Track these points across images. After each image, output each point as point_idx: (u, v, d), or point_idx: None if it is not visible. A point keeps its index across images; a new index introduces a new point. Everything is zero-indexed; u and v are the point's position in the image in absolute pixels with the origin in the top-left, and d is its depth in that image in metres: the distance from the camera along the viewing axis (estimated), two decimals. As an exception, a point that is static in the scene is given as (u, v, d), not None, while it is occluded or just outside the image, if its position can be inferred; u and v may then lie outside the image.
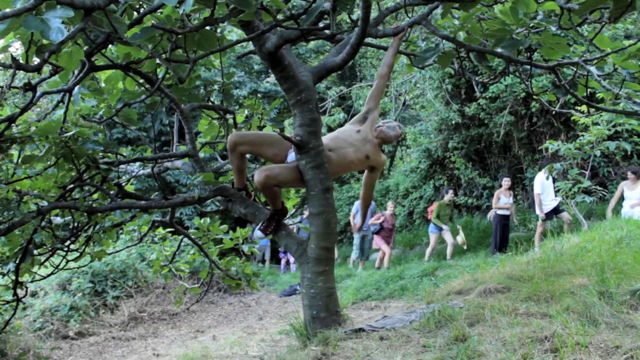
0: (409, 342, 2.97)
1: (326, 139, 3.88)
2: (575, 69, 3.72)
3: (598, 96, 4.52)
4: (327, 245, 3.67)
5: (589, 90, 3.69)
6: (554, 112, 10.67)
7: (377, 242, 11.26)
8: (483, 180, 12.56)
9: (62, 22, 1.99)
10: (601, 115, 7.68)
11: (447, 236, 10.46)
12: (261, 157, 4.17)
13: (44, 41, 2.25)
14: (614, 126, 7.81)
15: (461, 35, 3.82)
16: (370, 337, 3.17)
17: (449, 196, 10.67)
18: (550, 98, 4.17)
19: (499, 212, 9.93)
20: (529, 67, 3.82)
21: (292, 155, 3.79)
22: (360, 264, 11.49)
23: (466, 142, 12.70)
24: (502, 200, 9.94)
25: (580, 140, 7.90)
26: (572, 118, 9.30)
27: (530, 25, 3.22)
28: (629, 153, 9.59)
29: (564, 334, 2.62)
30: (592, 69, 3.28)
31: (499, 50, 3.50)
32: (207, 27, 2.84)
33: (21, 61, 2.22)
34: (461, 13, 3.60)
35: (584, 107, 6.24)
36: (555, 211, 9.20)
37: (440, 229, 10.53)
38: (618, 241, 5.01)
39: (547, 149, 8.93)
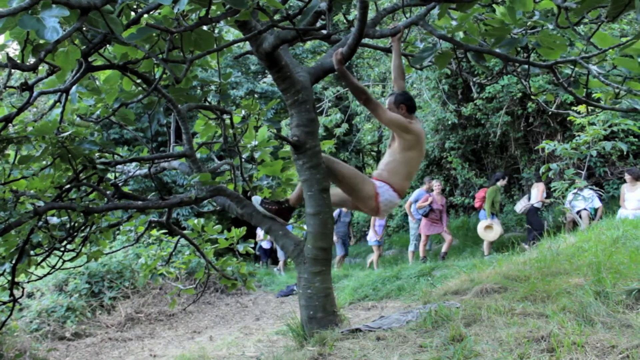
0: (405, 342, 2.98)
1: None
2: (573, 67, 3.72)
3: (594, 96, 4.53)
4: (324, 245, 3.67)
5: (586, 91, 3.70)
6: (550, 113, 10.70)
7: (423, 228, 10.37)
8: (480, 180, 12.58)
9: (59, 22, 1.99)
10: (597, 116, 7.70)
11: (496, 229, 9.74)
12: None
13: (40, 41, 2.25)
14: (610, 126, 7.83)
15: (459, 36, 3.83)
16: (367, 337, 3.17)
17: (504, 181, 10.04)
18: (548, 98, 4.18)
19: (537, 204, 9.85)
20: (526, 66, 3.83)
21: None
22: (411, 255, 10.78)
23: (463, 142, 12.72)
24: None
25: (577, 140, 7.92)
26: (568, 118, 9.33)
27: (528, 24, 3.23)
28: (625, 153, 9.62)
29: (560, 333, 2.63)
30: (592, 67, 3.28)
31: (496, 49, 3.50)
32: (204, 27, 2.84)
33: (17, 60, 2.21)
34: (458, 13, 3.61)
35: (581, 107, 6.25)
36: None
37: (493, 216, 9.85)
38: (614, 241, 5.02)
39: (543, 149, 8.96)
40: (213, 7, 2.75)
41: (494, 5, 3.55)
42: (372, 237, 11.64)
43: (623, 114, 8.36)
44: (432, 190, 10.56)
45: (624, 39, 3.19)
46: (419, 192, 10.82)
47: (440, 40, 3.79)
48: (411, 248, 10.85)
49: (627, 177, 8.87)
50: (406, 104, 3.90)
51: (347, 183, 3.84)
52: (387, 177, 3.84)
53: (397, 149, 3.84)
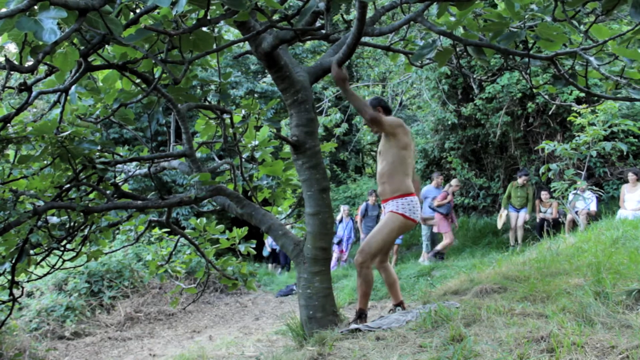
0: (405, 342, 2.97)
1: None
2: (574, 59, 3.70)
3: (594, 90, 4.51)
4: (324, 245, 3.67)
5: (586, 82, 3.68)
6: (550, 113, 10.69)
7: (441, 226, 10.27)
8: (479, 180, 12.57)
9: (57, 23, 1.98)
10: (597, 116, 7.70)
11: (503, 217, 10.35)
12: None
13: (39, 42, 2.24)
14: (609, 127, 7.83)
15: (458, 32, 3.81)
16: (367, 337, 3.17)
17: (521, 180, 10.33)
18: (550, 91, 4.14)
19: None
20: (527, 59, 3.81)
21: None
22: (426, 256, 10.62)
23: (462, 142, 12.70)
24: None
25: (577, 140, 7.92)
26: (567, 119, 9.32)
27: (526, 17, 3.22)
28: (625, 154, 9.61)
29: (560, 334, 2.63)
30: (592, 58, 3.26)
31: (496, 43, 3.49)
32: (203, 28, 2.83)
33: (15, 62, 2.21)
34: (457, 10, 3.59)
35: (582, 107, 6.25)
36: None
37: (515, 209, 10.35)
38: (614, 241, 5.02)
39: (543, 149, 8.96)
40: (212, 7, 2.75)
41: (495, 1, 3.53)
42: None
43: (623, 114, 8.36)
44: (443, 186, 10.67)
45: (625, 28, 3.17)
46: (427, 189, 10.71)
47: (440, 37, 3.78)
48: (425, 249, 10.75)
49: (630, 177, 8.84)
50: (382, 105, 4.02)
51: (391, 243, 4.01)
52: (392, 189, 3.85)
53: (392, 150, 3.84)
